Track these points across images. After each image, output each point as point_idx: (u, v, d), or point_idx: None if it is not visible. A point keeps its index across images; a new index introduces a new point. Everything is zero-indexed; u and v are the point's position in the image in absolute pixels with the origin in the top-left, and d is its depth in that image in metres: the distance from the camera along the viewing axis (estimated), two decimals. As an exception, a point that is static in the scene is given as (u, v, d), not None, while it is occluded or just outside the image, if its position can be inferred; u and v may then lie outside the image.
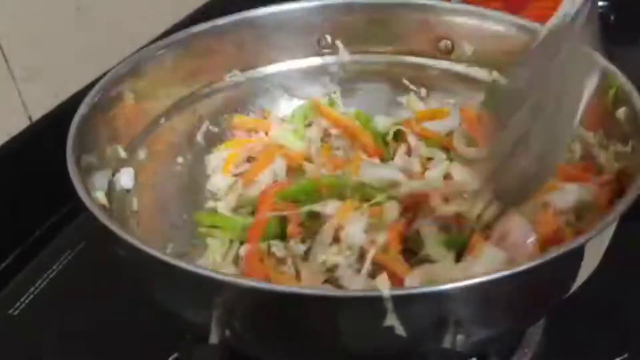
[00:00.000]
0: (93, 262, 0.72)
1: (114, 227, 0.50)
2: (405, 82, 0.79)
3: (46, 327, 0.67)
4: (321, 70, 0.79)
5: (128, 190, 0.65)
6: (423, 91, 0.79)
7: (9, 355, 0.65)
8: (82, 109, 0.61)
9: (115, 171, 0.64)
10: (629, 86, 0.61)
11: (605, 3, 1.06)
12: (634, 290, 0.67)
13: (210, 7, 1.02)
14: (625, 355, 0.62)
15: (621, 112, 0.62)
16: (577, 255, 0.49)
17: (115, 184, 0.64)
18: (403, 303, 0.45)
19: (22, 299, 0.69)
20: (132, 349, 0.64)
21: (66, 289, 0.71)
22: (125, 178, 0.65)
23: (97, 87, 0.64)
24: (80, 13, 0.83)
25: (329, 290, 0.55)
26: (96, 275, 0.71)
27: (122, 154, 0.65)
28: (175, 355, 0.62)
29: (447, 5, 0.76)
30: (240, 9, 0.75)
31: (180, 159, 0.73)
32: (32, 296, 0.70)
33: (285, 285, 0.56)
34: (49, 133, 0.78)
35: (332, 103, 0.80)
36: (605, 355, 0.62)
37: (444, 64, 0.77)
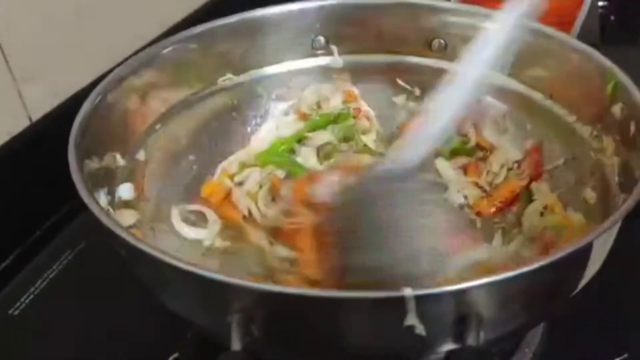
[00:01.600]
0: (93, 262, 0.73)
1: (137, 242, 0.49)
2: (400, 82, 0.79)
3: (46, 327, 0.67)
4: (315, 73, 0.79)
5: (128, 201, 0.65)
6: (417, 91, 0.79)
7: (9, 355, 0.65)
8: (82, 114, 0.61)
9: (115, 178, 0.64)
10: (627, 80, 0.61)
11: (605, 3, 1.06)
12: (634, 291, 0.67)
13: (210, 8, 1.02)
14: (625, 356, 0.62)
15: (619, 106, 0.62)
16: (586, 251, 0.50)
17: (115, 194, 0.64)
18: (425, 302, 0.45)
19: (22, 299, 0.69)
20: (132, 348, 0.64)
21: (66, 289, 0.71)
22: (125, 191, 0.65)
23: (95, 92, 0.64)
24: (80, 13, 0.83)
25: (347, 292, 0.55)
26: (96, 275, 0.71)
27: (121, 161, 0.65)
28: (175, 355, 0.62)
29: (439, 4, 0.76)
30: (237, 10, 0.75)
31: (178, 165, 0.73)
32: (32, 296, 0.70)
33: (305, 288, 0.56)
34: (49, 133, 0.78)
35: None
36: (605, 355, 0.62)
37: (438, 63, 0.77)
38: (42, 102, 0.80)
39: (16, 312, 0.68)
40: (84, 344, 0.65)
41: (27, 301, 0.69)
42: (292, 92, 0.79)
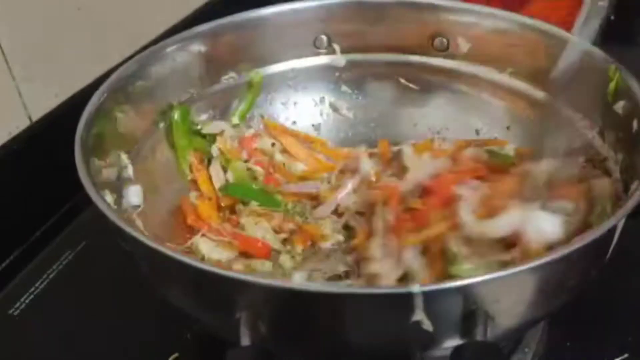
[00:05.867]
0: (93, 262, 0.73)
1: (146, 239, 0.50)
2: (402, 81, 0.79)
3: (46, 327, 0.67)
4: (317, 71, 0.79)
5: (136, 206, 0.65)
6: (421, 89, 0.79)
7: (9, 355, 0.65)
8: (87, 113, 0.61)
9: (119, 177, 0.64)
10: (629, 78, 0.62)
11: (605, 3, 1.06)
12: (635, 290, 0.67)
13: (211, 7, 1.02)
14: (626, 356, 0.62)
15: (621, 104, 0.62)
16: (589, 249, 0.50)
17: (120, 193, 0.63)
18: (432, 298, 0.45)
19: (22, 299, 0.69)
20: (132, 348, 0.64)
21: (66, 289, 0.71)
22: (133, 195, 0.64)
23: (99, 91, 0.64)
24: (80, 13, 0.83)
25: (357, 288, 0.55)
26: (96, 275, 0.71)
27: (125, 160, 0.65)
28: (175, 355, 0.62)
29: (441, 2, 0.76)
30: (239, 9, 0.75)
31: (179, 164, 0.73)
32: (32, 296, 0.70)
33: (313, 283, 0.56)
34: (49, 133, 0.78)
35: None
36: (605, 355, 0.62)
37: (440, 62, 0.77)
38: (42, 102, 0.80)
39: (16, 312, 0.68)
40: (84, 344, 0.65)
41: (27, 301, 0.69)
42: (295, 93, 0.79)
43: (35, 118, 0.79)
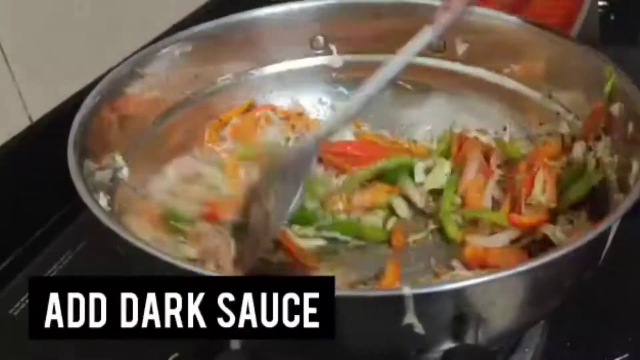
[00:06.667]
0: (93, 262, 0.72)
1: (137, 241, 0.50)
2: (399, 82, 0.79)
3: (46, 327, 0.67)
4: (314, 72, 0.79)
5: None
6: (418, 90, 0.79)
7: (9, 355, 0.65)
8: (81, 114, 0.61)
9: (114, 178, 0.64)
10: (625, 80, 0.62)
11: (605, 3, 1.06)
12: (634, 290, 0.67)
13: (210, 8, 1.02)
14: (626, 356, 0.62)
15: (617, 106, 0.62)
16: (584, 251, 0.50)
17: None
18: (423, 301, 0.45)
19: (22, 299, 0.69)
20: (132, 348, 0.64)
21: (66, 289, 0.71)
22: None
23: (93, 92, 0.64)
24: (80, 13, 0.83)
25: (348, 291, 0.55)
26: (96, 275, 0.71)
27: (120, 162, 0.65)
28: (175, 355, 0.62)
29: (437, 3, 0.75)
30: (237, 10, 0.75)
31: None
32: (32, 296, 0.70)
33: None
34: (49, 133, 0.78)
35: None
36: (605, 355, 0.62)
37: (436, 63, 0.77)
38: (42, 102, 0.80)
39: (16, 312, 0.68)
40: (84, 344, 0.65)
41: (27, 301, 0.69)
42: (292, 93, 0.79)
43: (35, 118, 0.80)
